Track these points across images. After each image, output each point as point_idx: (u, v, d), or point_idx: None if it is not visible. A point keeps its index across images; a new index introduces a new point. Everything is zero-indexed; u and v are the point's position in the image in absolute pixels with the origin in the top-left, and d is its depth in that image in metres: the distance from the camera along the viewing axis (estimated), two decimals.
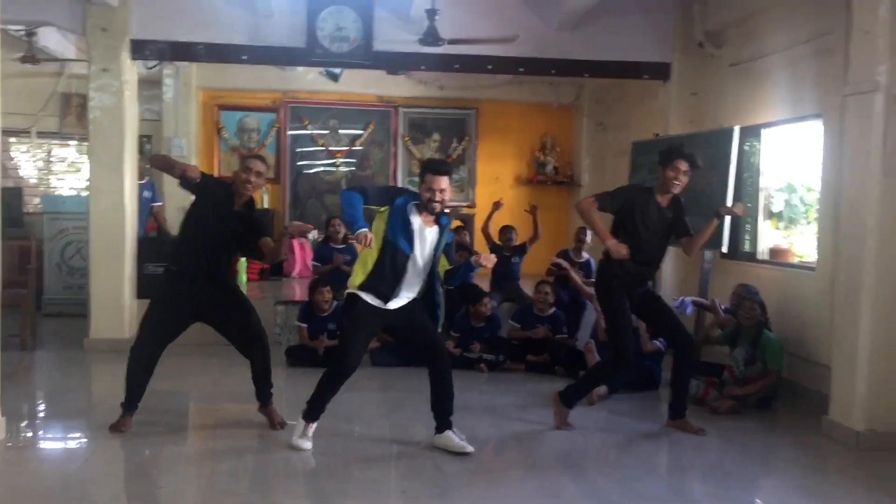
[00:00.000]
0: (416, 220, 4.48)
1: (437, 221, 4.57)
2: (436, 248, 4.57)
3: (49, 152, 11.48)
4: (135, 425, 4.86)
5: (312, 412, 4.60)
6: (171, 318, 4.73)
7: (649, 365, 6.23)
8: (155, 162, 5.34)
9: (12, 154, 10.82)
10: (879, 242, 4.90)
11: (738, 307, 6.12)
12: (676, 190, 5.01)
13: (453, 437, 4.60)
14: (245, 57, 7.42)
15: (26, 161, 10.89)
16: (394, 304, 4.53)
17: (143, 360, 4.79)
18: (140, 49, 7.31)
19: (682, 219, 5.18)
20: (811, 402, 5.82)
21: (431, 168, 4.56)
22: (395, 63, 7.71)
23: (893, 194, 4.86)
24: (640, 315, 5.39)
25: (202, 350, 6.38)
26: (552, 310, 7.04)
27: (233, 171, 4.88)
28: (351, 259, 7.89)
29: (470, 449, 4.55)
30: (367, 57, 7.28)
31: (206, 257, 4.70)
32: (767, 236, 6.99)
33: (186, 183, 4.63)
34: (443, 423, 4.64)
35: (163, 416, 5.29)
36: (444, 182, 4.47)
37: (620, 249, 4.90)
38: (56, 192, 10.77)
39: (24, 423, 5.21)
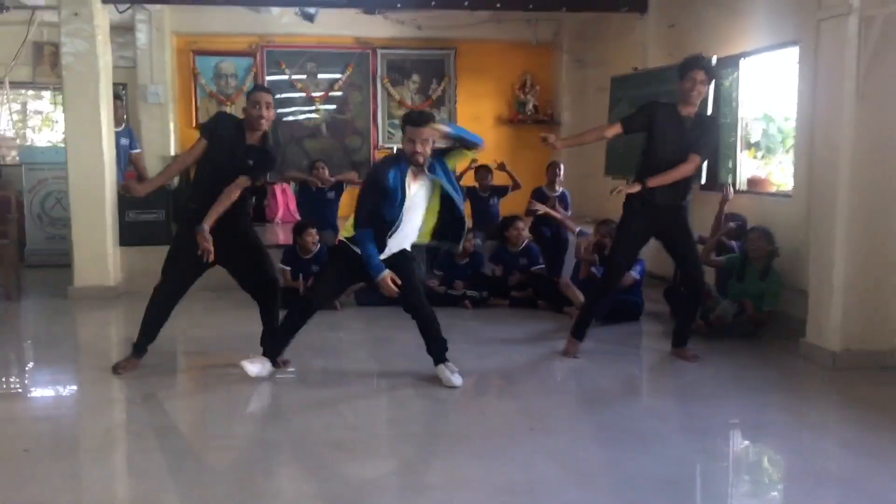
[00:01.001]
0: (408, 185, 4.53)
1: (429, 169, 4.56)
2: (433, 195, 4.65)
3: (25, 105, 11.34)
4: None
5: (272, 350, 4.75)
6: (190, 261, 4.63)
7: (630, 298, 6.32)
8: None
9: None
10: (852, 166, 4.96)
11: (734, 238, 6.20)
12: (695, 100, 4.94)
13: (444, 371, 4.68)
14: None
15: (1, 114, 10.74)
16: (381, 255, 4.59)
17: (163, 303, 4.82)
18: None
19: (699, 136, 5.01)
20: (789, 327, 5.91)
21: (410, 120, 4.54)
22: (371, 1, 7.61)
23: (866, 118, 4.91)
24: (665, 240, 5.29)
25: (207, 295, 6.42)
26: (524, 243, 7.09)
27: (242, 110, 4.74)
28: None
29: (457, 382, 4.62)
30: None
31: (215, 198, 4.61)
32: (746, 166, 7.05)
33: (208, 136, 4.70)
34: (436, 359, 4.74)
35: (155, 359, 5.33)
36: (424, 133, 4.45)
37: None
38: (35, 144, 10.66)
39: (13, 370, 5.27)
